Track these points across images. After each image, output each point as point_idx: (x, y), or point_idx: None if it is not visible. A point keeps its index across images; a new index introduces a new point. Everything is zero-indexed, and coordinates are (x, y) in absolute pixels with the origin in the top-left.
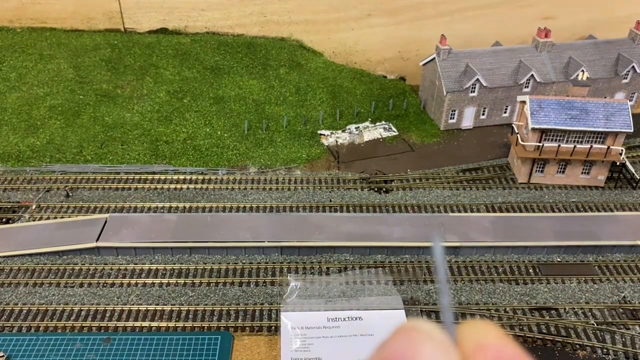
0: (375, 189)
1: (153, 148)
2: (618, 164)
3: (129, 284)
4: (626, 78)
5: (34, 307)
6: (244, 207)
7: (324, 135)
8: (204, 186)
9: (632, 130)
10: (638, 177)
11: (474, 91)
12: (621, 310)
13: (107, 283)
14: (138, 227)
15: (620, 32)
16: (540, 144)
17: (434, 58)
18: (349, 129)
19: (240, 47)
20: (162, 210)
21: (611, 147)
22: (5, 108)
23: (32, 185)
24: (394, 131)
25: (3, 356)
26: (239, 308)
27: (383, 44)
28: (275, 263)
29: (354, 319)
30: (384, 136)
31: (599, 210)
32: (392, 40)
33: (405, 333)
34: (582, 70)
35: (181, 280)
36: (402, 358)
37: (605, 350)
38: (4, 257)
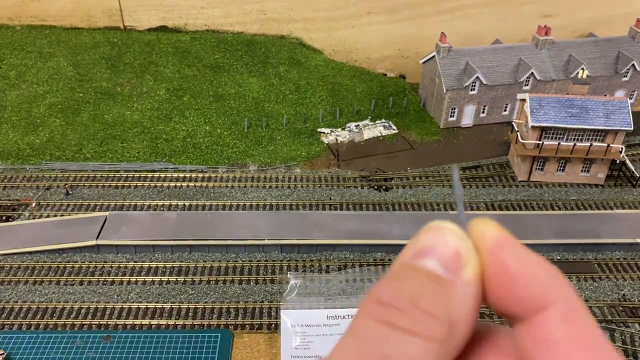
0: (375, 187)
1: (153, 146)
2: (618, 162)
3: (129, 282)
4: (626, 76)
5: (34, 305)
6: (244, 205)
7: (324, 133)
8: (204, 184)
9: (632, 129)
10: (638, 175)
11: (474, 89)
12: (621, 308)
13: (107, 281)
14: (138, 225)
15: (621, 30)
16: (540, 142)
17: (434, 56)
18: (348, 127)
19: (240, 45)
20: (162, 208)
21: (611, 145)
22: (5, 106)
23: (32, 183)
24: (393, 129)
25: (3, 354)
26: (238, 306)
27: (383, 42)
28: (275, 261)
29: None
30: (383, 134)
31: (598, 209)
32: (392, 38)
33: (432, 229)
34: (582, 68)
35: (181, 278)
36: (432, 246)
37: None
38: (4, 255)
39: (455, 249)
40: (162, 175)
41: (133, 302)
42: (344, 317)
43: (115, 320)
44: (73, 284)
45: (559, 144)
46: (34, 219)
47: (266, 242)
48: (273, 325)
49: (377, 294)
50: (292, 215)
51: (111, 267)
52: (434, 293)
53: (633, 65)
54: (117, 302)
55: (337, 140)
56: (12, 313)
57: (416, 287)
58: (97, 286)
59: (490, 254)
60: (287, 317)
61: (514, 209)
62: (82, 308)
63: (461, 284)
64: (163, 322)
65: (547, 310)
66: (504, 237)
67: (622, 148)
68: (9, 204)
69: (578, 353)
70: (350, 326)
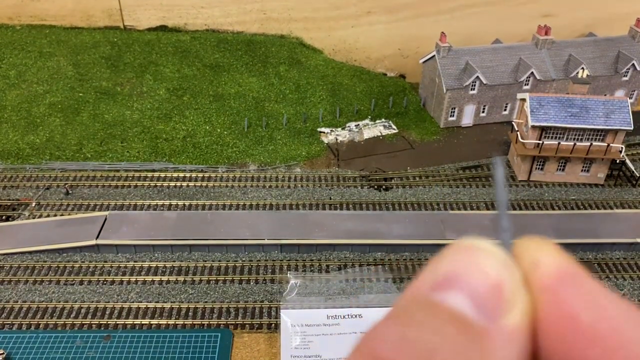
0: (375, 187)
1: (153, 145)
2: (618, 161)
3: (128, 282)
4: (626, 76)
5: (33, 305)
6: (244, 204)
7: (324, 132)
8: (204, 184)
9: (632, 128)
10: (638, 175)
11: (474, 89)
12: None
13: (107, 280)
14: (138, 225)
15: (621, 30)
16: (540, 142)
17: (434, 55)
18: (348, 126)
19: (240, 44)
20: (162, 208)
21: (611, 144)
22: (5, 105)
23: (32, 182)
24: (393, 129)
25: (3, 354)
26: (238, 305)
27: (383, 42)
28: (275, 261)
29: (354, 316)
30: (383, 134)
31: (598, 208)
32: (392, 37)
33: (461, 250)
34: (582, 68)
35: (181, 278)
36: (461, 275)
37: None
38: (4, 254)
39: (496, 281)
40: (162, 174)
41: (133, 302)
42: (344, 316)
43: (115, 319)
44: (73, 284)
45: (559, 143)
46: (33, 218)
47: (266, 241)
48: (273, 324)
49: (372, 344)
50: (292, 215)
51: (111, 266)
52: (458, 347)
53: (633, 64)
54: (117, 302)
55: (337, 139)
56: (12, 313)
57: (433, 337)
58: (97, 286)
59: (549, 294)
60: (287, 317)
61: (514, 209)
62: (82, 308)
63: (501, 335)
64: (163, 321)
65: None
66: (569, 269)
67: (622, 148)
68: (9, 204)
69: None
70: None
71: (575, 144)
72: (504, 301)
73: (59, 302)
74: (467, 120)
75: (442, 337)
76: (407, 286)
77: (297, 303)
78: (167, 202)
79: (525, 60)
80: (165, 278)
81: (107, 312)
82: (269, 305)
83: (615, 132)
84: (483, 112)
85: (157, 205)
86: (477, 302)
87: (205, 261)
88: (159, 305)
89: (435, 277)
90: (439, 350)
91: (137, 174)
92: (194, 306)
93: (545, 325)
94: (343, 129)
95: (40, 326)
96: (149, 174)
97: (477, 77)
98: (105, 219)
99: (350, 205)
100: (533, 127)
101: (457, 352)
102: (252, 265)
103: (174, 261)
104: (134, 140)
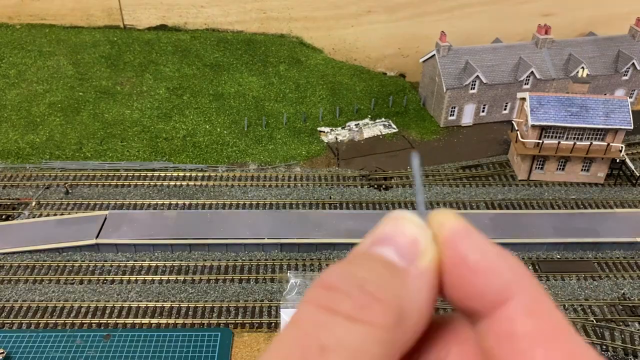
0: (375, 186)
1: (153, 145)
2: (618, 161)
3: (128, 281)
4: (626, 75)
5: (33, 304)
6: (244, 204)
7: (324, 132)
8: (204, 183)
9: (631, 127)
10: (638, 174)
11: (473, 88)
12: (620, 307)
13: (106, 280)
14: (138, 224)
15: (620, 29)
16: (540, 141)
17: (434, 55)
18: (348, 125)
19: (240, 43)
20: (162, 207)
21: (611, 144)
22: (5, 105)
23: (32, 182)
24: (393, 128)
25: (3, 353)
26: (238, 305)
27: (383, 41)
28: (275, 260)
29: None
30: (383, 133)
31: (598, 207)
32: (392, 37)
33: (392, 219)
34: (582, 67)
35: (181, 277)
36: (390, 235)
37: (604, 347)
38: (4, 253)
39: (413, 238)
40: (162, 174)
41: (133, 301)
42: None
43: (115, 319)
44: (73, 283)
45: (559, 142)
46: (34, 218)
47: (266, 241)
48: (273, 324)
49: (323, 279)
50: (292, 214)
51: (111, 266)
52: (384, 278)
53: (633, 64)
54: (117, 301)
55: (337, 139)
56: (12, 312)
57: (366, 272)
58: (97, 285)
59: (448, 244)
60: (287, 316)
61: (514, 208)
62: (82, 307)
63: (416, 272)
64: (163, 321)
65: (509, 304)
66: (463, 227)
67: (622, 147)
68: (9, 203)
69: (544, 347)
70: (293, 315)
71: (575, 143)
72: (419, 251)
73: (59, 301)
74: (467, 119)
75: (374, 272)
76: None
77: (297, 302)
78: (167, 202)
79: (525, 59)
80: (165, 277)
81: (107, 312)
82: (269, 305)
83: (615, 131)
84: (483, 111)
85: (157, 204)
86: (399, 252)
87: (205, 260)
88: (159, 304)
89: (372, 238)
90: (370, 280)
91: (137, 173)
92: (194, 305)
93: (446, 265)
94: (343, 128)
95: (40, 325)
96: (149, 173)
97: (477, 76)
98: (105, 218)
99: (350, 205)
100: (533, 126)
101: (383, 282)
102: (252, 265)
103: (174, 260)
104: (134, 140)
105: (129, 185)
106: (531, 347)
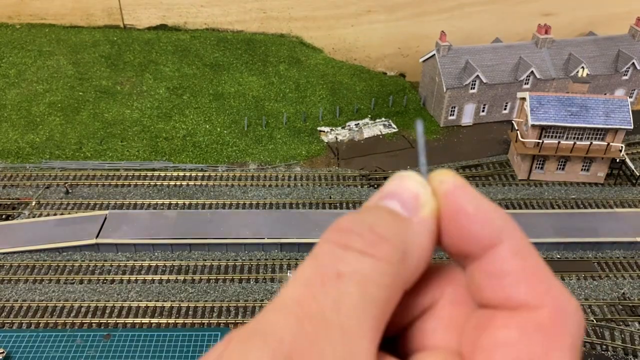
0: (375, 186)
1: (153, 145)
2: (618, 160)
3: (128, 281)
4: (626, 75)
5: (33, 304)
6: (244, 203)
7: (324, 132)
8: (204, 183)
9: (631, 127)
10: (638, 174)
11: (473, 88)
12: (620, 307)
13: (107, 280)
14: (138, 224)
15: (621, 29)
16: (540, 141)
17: (434, 54)
18: (348, 125)
19: (240, 43)
20: (161, 207)
21: (611, 143)
22: (5, 104)
23: (32, 181)
24: (393, 128)
25: (3, 352)
26: (238, 304)
27: (383, 41)
28: (275, 259)
29: None
30: (383, 133)
31: (598, 207)
32: (392, 36)
33: (397, 178)
34: (582, 67)
35: (181, 277)
36: (395, 191)
37: (604, 347)
38: (4, 253)
39: (415, 192)
40: (162, 174)
41: (133, 301)
42: None
43: (115, 318)
44: (73, 283)
45: (559, 142)
46: (33, 217)
47: (266, 240)
48: None
49: (337, 223)
50: (292, 214)
51: (111, 265)
52: (390, 223)
53: (633, 63)
54: (117, 301)
55: (337, 139)
56: (12, 312)
57: (375, 219)
58: (97, 285)
59: (447, 197)
60: None
61: (514, 208)
62: (82, 307)
63: (417, 220)
64: (163, 320)
65: (498, 247)
66: (461, 183)
67: (622, 147)
68: (9, 203)
69: (526, 282)
70: (311, 252)
71: (575, 143)
72: (420, 203)
73: (59, 301)
74: (467, 119)
75: (382, 219)
76: None
77: None
78: (167, 201)
79: (525, 59)
80: (165, 277)
81: (107, 311)
82: None
83: (615, 131)
84: (483, 111)
85: (157, 204)
86: (403, 204)
87: (205, 260)
88: (159, 304)
89: (380, 194)
90: (378, 224)
91: (137, 173)
92: (194, 305)
93: (444, 215)
94: (343, 128)
95: (40, 325)
96: (149, 173)
97: (477, 76)
98: (105, 218)
99: (350, 204)
100: (533, 126)
101: (390, 226)
102: (252, 264)
103: (174, 260)
104: (133, 139)
105: (129, 185)
106: (516, 282)
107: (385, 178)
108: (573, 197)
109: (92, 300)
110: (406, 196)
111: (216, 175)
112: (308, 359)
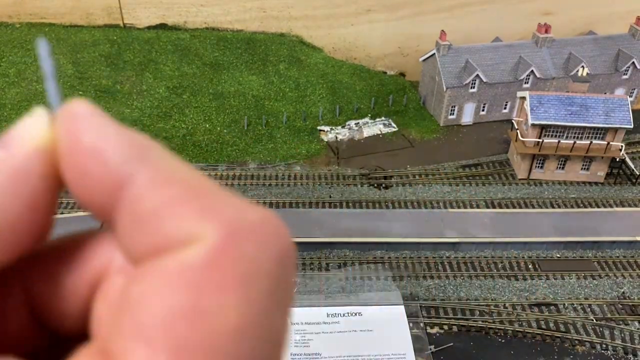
0: (375, 185)
1: None
2: (618, 160)
3: None
4: (626, 74)
5: None
6: None
7: (324, 131)
8: None
9: (632, 126)
10: (638, 173)
11: (473, 87)
12: (620, 306)
13: None
14: None
15: (621, 28)
16: (540, 140)
17: (434, 54)
18: (348, 124)
19: (240, 42)
20: None
21: (611, 143)
22: (5, 104)
23: None
24: (393, 127)
25: None
26: None
27: (383, 40)
28: None
29: (354, 314)
30: (383, 132)
31: (598, 206)
32: (392, 36)
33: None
34: (582, 66)
35: None
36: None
37: (604, 346)
38: None
39: (19, 126)
40: None
41: None
42: (344, 315)
43: None
44: None
45: (559, 141)
46: None
47: None
48: None
49: None
50: (292, 213)
51: None
52: None
53: (633, 63)
54: None
55: (337, 138)
56: None
57: None
58: None
59: (66, 129)
60: None
61: (514, 207)
62: None
63: (2, 157)
64: None
65: (131, 185)
66: (87, 109)
67: (622, 146)
68: None
69: (177, 211)
70: None
71: (575, 142)
72: (19, 137)
73: None
74: (467, 118)
75: None
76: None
77: (296, 301)
78: None
79: (525, 58)
80: None
81: None
82: None
83: (615, 130)
84: (483, 110)
85: None
86: (2, 145)
87: None
88: None
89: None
90: None
91: None
92: None
93: (62, 156)
94: (343, 127)
95: None
96: None
97: (477, 75)
98: None
99: (350, 204)
100: (533, 125)
101: None
102: None
103: None
104: None
105: None
106: (162, 218)
107: (385, 177)
108: (573, 196)
109: None
110: (10, 132)
111: (216, 175)
112: None
